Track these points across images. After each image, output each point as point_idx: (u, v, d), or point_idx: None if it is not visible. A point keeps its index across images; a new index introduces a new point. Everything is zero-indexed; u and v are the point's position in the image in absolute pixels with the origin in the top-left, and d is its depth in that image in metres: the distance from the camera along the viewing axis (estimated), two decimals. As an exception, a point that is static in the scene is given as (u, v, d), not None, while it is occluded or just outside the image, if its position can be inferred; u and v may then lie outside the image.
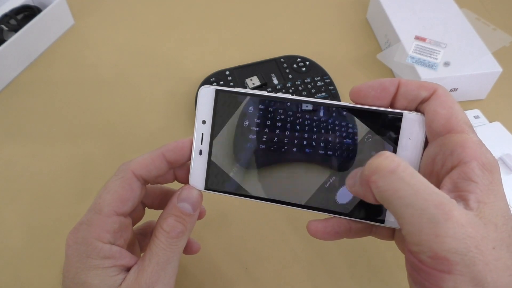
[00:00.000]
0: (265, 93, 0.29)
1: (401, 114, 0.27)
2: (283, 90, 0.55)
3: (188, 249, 0.35)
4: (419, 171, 0.26)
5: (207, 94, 0.30)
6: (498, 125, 0.49)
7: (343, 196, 0.29)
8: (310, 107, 0.29)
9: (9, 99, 0.57)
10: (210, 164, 0.30)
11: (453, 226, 0.19)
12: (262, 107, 0.29)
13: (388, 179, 0.21)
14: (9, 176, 0.50)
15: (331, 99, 0.54)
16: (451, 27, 0.57)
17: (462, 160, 0.23)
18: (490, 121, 0.51)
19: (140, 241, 0.35)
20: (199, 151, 0.30)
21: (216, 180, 0.30)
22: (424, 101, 0.26)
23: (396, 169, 0.21)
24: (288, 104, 0.29)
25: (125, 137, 0.53)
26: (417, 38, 0.56)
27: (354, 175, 0.25)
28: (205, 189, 0.31)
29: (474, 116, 0.52)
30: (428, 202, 0.20)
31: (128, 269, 0.29)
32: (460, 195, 0.22)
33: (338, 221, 0.28)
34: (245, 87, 0.55)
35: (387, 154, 0.22)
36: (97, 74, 0.60)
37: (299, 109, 0.29)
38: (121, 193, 0.29)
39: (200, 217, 0.36)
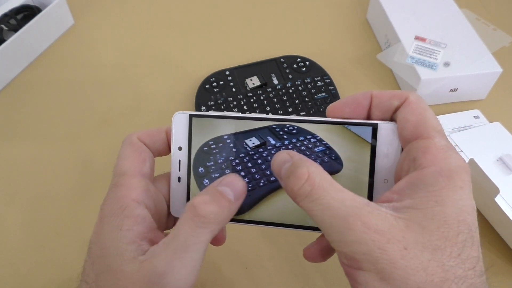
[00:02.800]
0: (240, 114, 0.29)
1: (376, 124, 0.27)
2: (283, 90, 0.55)
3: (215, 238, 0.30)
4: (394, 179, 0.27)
5: (181, 120, 0.30)
6: (498, 125, 0.49)
7: None
8: (288, 126, 0.29)
9: (9, 99, 0.57)
10: (190, 190, 0.30)
11: (355, 233, 0.22)
12: (239, 129, 0.29)
13: (304, 202, 0.24)
14: (9, 176, 0.50)
15: (331, 99, 0.54)
16: (451, 27, 0.57)
17: (420, 166, 0.24)
18: (490, 121, 0.51)
19: None
20: (177, 178, 0.30)
21: None
22: (397, 109, 0.27)
23: (310, 193, 0.23)
24: (264, 124, 0.29)
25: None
26: (417, 38, 0.56)
27: (279, 166, 0.26)
28: None
29: (474, 116, 0.52)
30: (335, 217, 0.23)
31: (149, 241, 0.26)
32: (400, 199, 0.24)
33: (323, 238, 0.29)
34: (245, 87, 0.55)
35: (304, 176, 0.23)
36: (97, 74, 0.60)
37: (277, 129, 0.29)
38: (135, 156, 0.28)
39: (218, 242, 0.31)
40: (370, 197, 0.28)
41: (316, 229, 0.28)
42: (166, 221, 0.30)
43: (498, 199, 0.41)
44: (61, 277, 0.42)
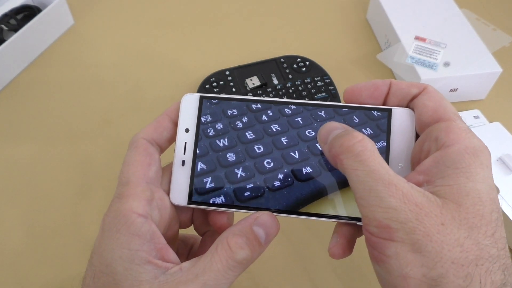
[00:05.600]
0: (252, 97, 0.29)
1: (390, 110, 0.28)
2: (283, 90, 0.55)
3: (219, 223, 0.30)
4: (410, 163, 0.27)
5: (190, 102, 0.29)
6: (498, 125, 0.49)
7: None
8: (300, 109, 0.29)
9: (9, 99, 0.57)
10: (194, 175, 0.28)
11: (395, 201, 0.22)
12: (251, 112, 0.29)
13: (351, 160, 0.23)
14: (9, 176, 0.50)
15: (331, 99, 0.54)
16: (451, 27, 0.57)
17: (444, 145, 0.24)
18: (490, 121, 0.51)
19: (179, 247, 0.32)
20: (181, 162, 0.28)
21: (201, 192, 0.28)
22: (414, 98, 0.27)
23: (361, 153, 0.23)
24: (277, 107, 0.29)
25: (125, 137, 0.53)
26: (417, 38, 0.56)
27: (327, 132, 0.26)
28: (189, 203, 0.28)
29: (474, 116, 0.52)
30: (378, 181, 0.22)
31: (161, 258, 0.25)
32: (428, 180, 0.24)
33: (345, 229, 0.28)
34: (245, 87, 0.55)
35: (359, 137, 0.24)
36: (97, 74, 0.60)
37: (289, 112, 0.29)
38: (141, 160, 0.27)
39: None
40: None
41: (325, 217, 0.27)
42: (175, 222, 0.29)
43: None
44: (61, 277, 0.42)
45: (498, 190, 0.40)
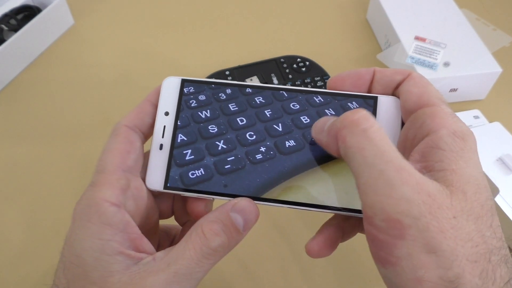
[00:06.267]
0: (235, 82, 0.28)
1: (376, 97, 0.27)
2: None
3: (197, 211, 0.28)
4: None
5: (171, 84, 0.28)
6: (498, 125, 0.49)
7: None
8: (285, 95, 0.28)
9: (9, 99, 0.57)
10: (172, 159, 0.27)
11: (408, 190, 0.19)
12: (233, 96, 0.28)
13: (357, 136, 0.21)
14: (9, 176, 0.50)
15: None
16: (451, 27, 0.57)
17: (431, 130, 0.22)
18: (490, 121, 0.51)
19: (161, 238, 0.31)
20: (159, 146, 0.27)
21: (179, 178, 0.27)
22: (399, 85, 0.26)
23: (368, 129, 0.21)
24: (261, 92, 0.28)
25: (125, 137, 0.53)
26: (417, 38, 0.56)
27: (324, 122, 0.24)
28: (165, 188, 0.27)
29: (474, 116, 0.52)
30: (389, 165, 0.20)
31: (134, 248, 0.24)
32: (426, 166, 0.21)
33: (328, 229, 0.27)
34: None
35: (363, 112, 0.21)
36: (97, 74, 0.60)
37: (273, 97, 0.28)
38: (120, 148, 0.26)
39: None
40: None
41: (310, 206, 0.26)
42: (154, 212, 0.28)
43: (498, 199, 0.41)
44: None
45: (498, 190, 0.40)
